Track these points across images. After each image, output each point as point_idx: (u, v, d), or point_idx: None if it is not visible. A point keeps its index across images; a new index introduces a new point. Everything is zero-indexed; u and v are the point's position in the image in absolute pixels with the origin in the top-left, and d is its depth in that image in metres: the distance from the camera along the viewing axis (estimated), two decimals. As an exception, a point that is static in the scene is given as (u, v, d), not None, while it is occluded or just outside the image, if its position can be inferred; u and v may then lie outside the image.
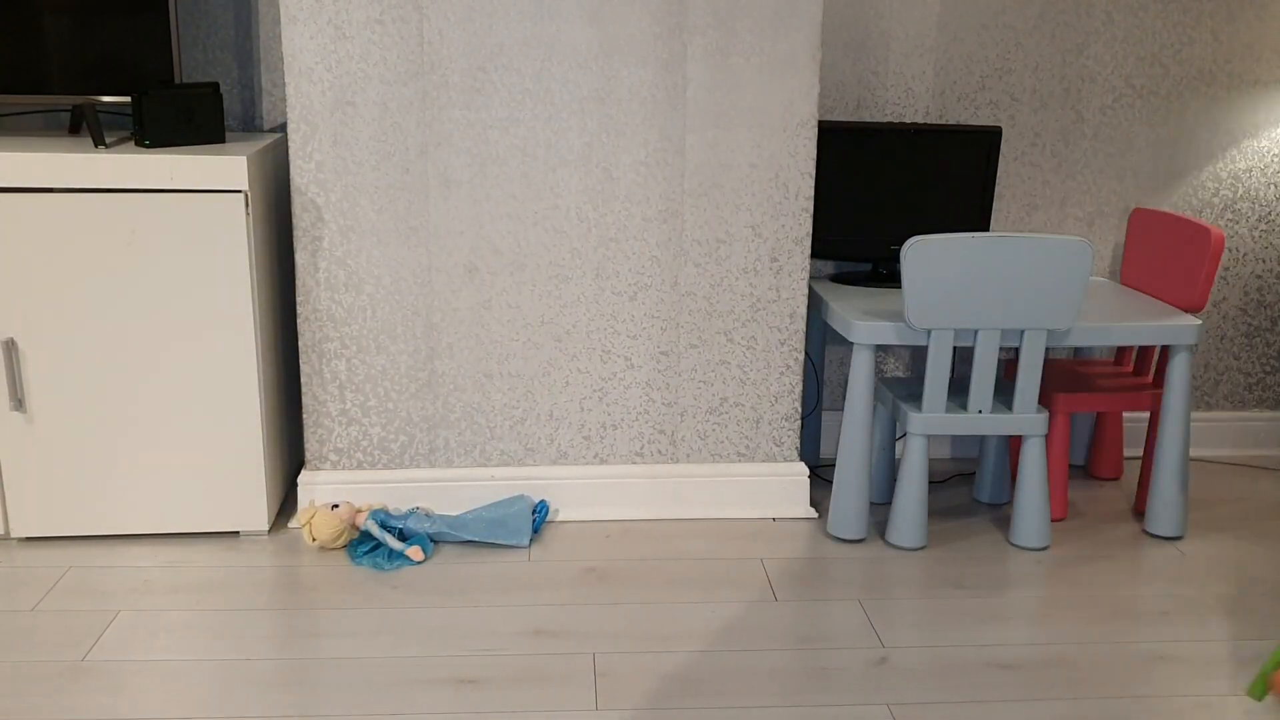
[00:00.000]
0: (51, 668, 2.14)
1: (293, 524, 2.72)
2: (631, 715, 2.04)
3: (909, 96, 3.06)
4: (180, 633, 2.29)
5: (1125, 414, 3.21)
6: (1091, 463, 3.19)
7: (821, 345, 3.13)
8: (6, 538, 2.62)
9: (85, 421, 2.55)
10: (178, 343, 2.53)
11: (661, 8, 2.55)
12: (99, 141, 2.54)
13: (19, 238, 2.45)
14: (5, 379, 2.49)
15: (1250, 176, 3.22)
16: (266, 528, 2.68)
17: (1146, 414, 3.04)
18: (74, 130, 2.72)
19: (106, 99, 2.65)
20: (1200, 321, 2.73)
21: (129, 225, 2.46)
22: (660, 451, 2.82)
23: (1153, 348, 2.98)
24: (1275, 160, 3.20)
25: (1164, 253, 2.96)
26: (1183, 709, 2.10)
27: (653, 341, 2.75)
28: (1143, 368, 3.02)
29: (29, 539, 2.62)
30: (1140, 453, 3.10)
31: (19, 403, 2.51)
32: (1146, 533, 2.81)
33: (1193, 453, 2.85)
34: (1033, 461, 2.68)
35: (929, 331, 2.57)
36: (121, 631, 2.28)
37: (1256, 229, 3.26)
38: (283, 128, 2.80)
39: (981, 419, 2.66)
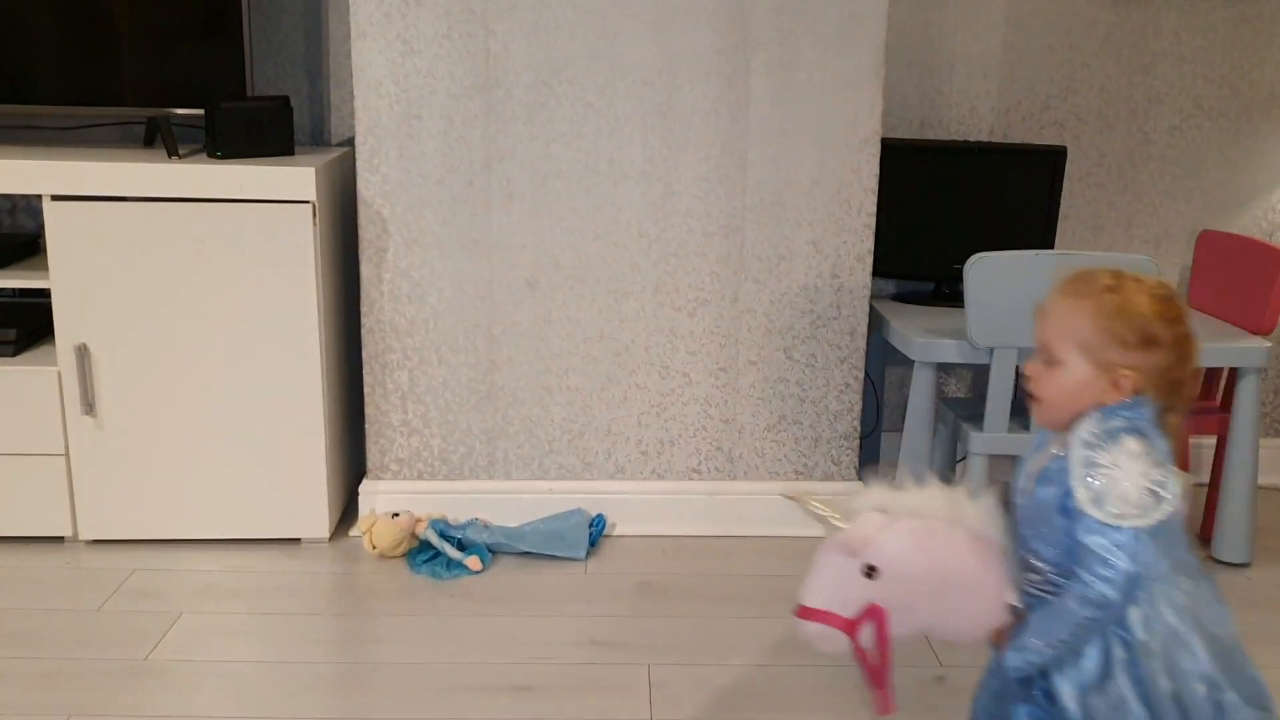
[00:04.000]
0: (116, 666, 2.18)
1: (353, 532, 2.75)
2: (687, 727, 2.04)
3: (973, 116, 3.05)
4: (241, 636, 2.32)
5: (1191, 440, 3.16)
6: (1156, 488, 3.14)
7: (882, 365, 3.12)
8: (74, 540, 2.66)
9: (153, 427, 2.59)
10: (244, 350, 2.57)
11: (725, 24, 2.57)
12: (172, 153, 2.60)
13: (94, 245, 2.51)
14: (77, 383, 2.55)
15: (1322, 200, 3.17)
16: (327, 535, 2.71)
17: (1213, 439, 2.98)
18: (149, 142, 2.79)
19: (180, 112, 2.71)
20: (1270, 344, 2.68)
21: (200, 234, 2.51)
22: (718, 468, 2.82)
23: (1220, 370, 2.93)
24: (1348, 183, 3.15)
25: (1233, 275, 2.91)
26: (1251, 736, 2.05)
27: (711, 358, 2.75)
28: (1209, 391, 2.97)
29: (96, 541, 2.66)
30: (1205, 481, 3.04)
31: (90, 406, 2.56)
32: (1213, 559, 2.76)
33: (1260, 480, 2.80)
34: (1096, 484, 2.64)
35: (992, 350, 2.55)
36: (184, 633, 2.31)
37: (1329, 253, 3.20)
38: (350, 142, 2.84)
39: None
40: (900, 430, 2.72)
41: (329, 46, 2.94)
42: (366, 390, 2.73)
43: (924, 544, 1.39)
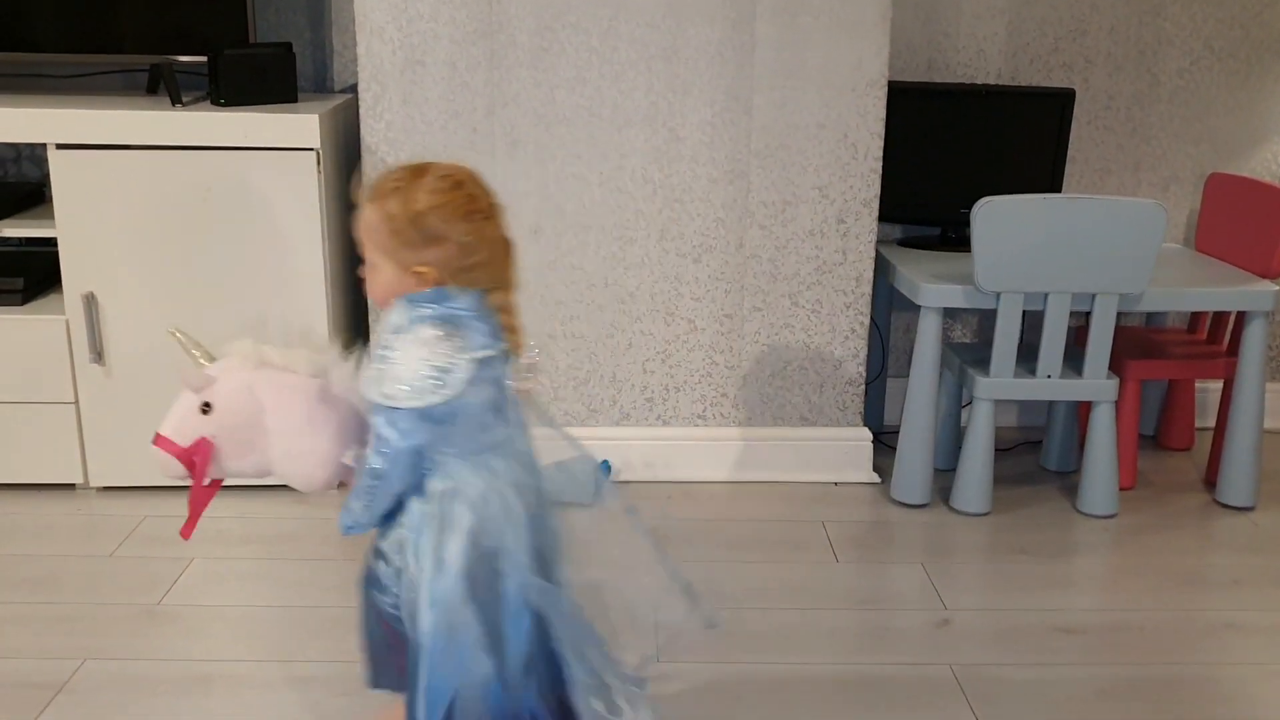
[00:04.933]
0: (128, 611, 2.21)
1: (360, 479, 2.77)
2: (692, 669, 2.06)
3: (980, 58, 3.02)
4: (252, 581, 2.34)
5: (1197, 385, 3.15)
6: (1161, 433, 3.15)
7: (888, 311, 3.11)
8: (85, 486, 2.69)
9: (162, 374, 2.60)
10: (250, 298, 2.58)
11: (730, -34, 2.54)
12: (176, 100, 2.59)
13: (98, 194, 2.51)
14: (85, 332, 2.56)
15: (1333, 142, 3.14)
16: (337, 481, 2.72)
17: (1219, 384, 2.98)
18: (152, 89, 2.78)
19: (183, 59, 2.69)
20: (1278, 287, 2.67)
21: (204, 182, 2.51)
22: (723, 414, 2.83)
23: (1227, 315, 2.93)
24: (1360, 125, 3.12)
25: (1241, 219, 2.89)
26: (1250, 678, 2.07)
27: (717, 304, 2.75)
28: (1216, 335, 2.97)
29: (107, 488, 2.69)
30: (1211, 425, 3.04)
31: (98, 355, 2.57)
32: (1217, 502, 2.77)
33: (1266, 424, 2.79)
34: (1102, 428, 2.65)
35: (998, 295, 2.55)
36: (195, 578, 2.34)
37: (1339, 196, 3.17)
38: (353, 88, 2.83)
39: (1050, 384, 2.63)
40: (906, 376, 2.72)
41: (331, -9, 2.91)
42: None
43: (259, 392, 1.49)
